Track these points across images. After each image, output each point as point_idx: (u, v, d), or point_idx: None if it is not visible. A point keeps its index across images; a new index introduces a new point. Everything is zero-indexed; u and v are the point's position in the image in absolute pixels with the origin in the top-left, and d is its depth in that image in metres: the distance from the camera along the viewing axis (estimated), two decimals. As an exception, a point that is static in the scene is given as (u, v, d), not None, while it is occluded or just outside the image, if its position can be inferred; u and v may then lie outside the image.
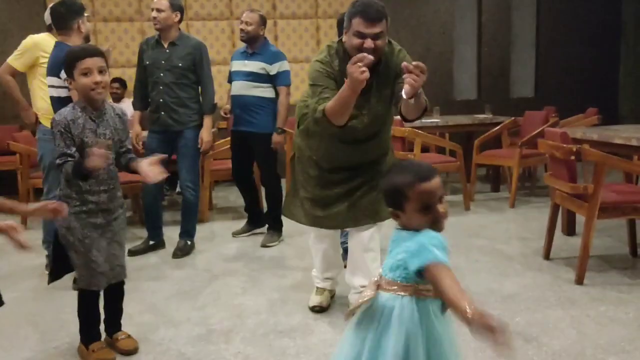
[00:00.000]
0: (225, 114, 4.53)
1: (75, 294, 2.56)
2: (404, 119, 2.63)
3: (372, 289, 1.67)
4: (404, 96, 2.27)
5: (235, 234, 4.60)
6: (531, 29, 8.01)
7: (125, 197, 3.85)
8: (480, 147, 5.66)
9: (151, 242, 4.22)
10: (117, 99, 6.32)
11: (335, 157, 2.81)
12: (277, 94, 4.26)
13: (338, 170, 2.83)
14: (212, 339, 2.74)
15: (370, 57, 2.33)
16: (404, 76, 2.19)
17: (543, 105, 6.98)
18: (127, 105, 6.03)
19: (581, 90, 7.83)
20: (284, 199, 3.25)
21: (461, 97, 7.91)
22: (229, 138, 4.73)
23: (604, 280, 3.36)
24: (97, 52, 2.41)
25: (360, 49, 2.54)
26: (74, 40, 3.45)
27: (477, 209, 5.32)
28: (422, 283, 1.59)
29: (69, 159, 2.34)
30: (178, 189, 5.34)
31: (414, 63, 2.17)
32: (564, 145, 3.36)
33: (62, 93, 3.31)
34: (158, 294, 3.35)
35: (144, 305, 3.16)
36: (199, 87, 4.12)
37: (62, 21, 3.47)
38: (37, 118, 3.88)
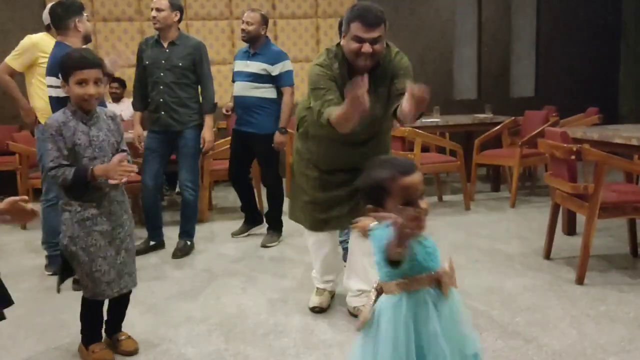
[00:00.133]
0: (227, 111, 4.52)
1: (75, 294, 2.56)
2: (399, 122, 2.63)
3: (373, 295, 1.66)
4: (403, 110, 2.25)
5: (234, 235, 4.59)
6: (531, 29, 8.01)
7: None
8: (481, 146, 5.65)
9: (151, 243, 4.21)
10: (117, 99, 6.31)
11: (335, 159, 2.81)
12: (279, 94, 4.25)
13: (338, 172, 2.83)
14: (212, 339, 2.73)
15: (365, 84, 2.13)
16: (406, 97, 2.14)
17: (543, 104, 6.98)
18: (126, 105, 6.04)
19: (581, 90, 7.83)
20: (287, 204, 3.25)
21: (461, 96, 7.90)
22: (229, 138, 4.72)
23: (604, 280, 3.35)
24: (95, 64, 2.38)
25: (358, 53, 2.55)
26: (73, 40, 3.44)
27: (478, 209, 5.31)
28: (409, 275, 1.57)
29: (66, 169, 2.32)
30: (177, 189, 5.33)
31: (419, 89, 2.02)
32: (564, 145, 3.36)
33: (61, 93, 3.27)
34: (158, 294, 3.35)
35: (144, 305, 3.16)
36: (199, 87, 4.12)
37: (60, 21, 3.46)
38: (36, 117, 3.88)
